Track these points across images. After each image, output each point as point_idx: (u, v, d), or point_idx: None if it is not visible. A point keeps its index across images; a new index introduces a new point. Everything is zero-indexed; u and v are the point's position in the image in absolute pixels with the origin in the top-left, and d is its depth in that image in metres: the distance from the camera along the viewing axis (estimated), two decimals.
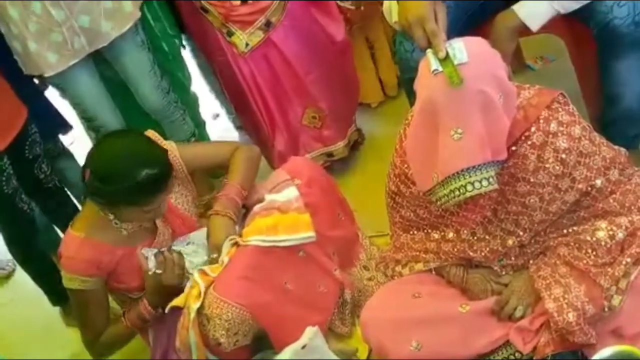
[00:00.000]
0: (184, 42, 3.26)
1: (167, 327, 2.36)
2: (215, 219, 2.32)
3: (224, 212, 2.31)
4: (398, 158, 2.14)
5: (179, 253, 2.27)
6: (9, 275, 3.52)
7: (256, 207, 2.38)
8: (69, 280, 2.25)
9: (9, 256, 3.31)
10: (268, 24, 2.90)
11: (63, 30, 2.61)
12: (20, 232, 2.75)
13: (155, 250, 2.27)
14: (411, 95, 2.10)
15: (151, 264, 2.24)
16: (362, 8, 3.09)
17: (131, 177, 2.06)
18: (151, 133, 2.34)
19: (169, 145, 2.36)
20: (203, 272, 2.22)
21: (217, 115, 3.89)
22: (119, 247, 2.28)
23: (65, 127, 3.20)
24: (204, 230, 2.35)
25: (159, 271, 2.22)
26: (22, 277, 3.26)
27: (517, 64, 3.17)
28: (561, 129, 1.94)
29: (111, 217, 2.21)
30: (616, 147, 2.05)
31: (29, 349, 3.05)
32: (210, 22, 2.93)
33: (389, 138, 2.29)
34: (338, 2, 3.11)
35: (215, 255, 2.28)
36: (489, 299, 2.10)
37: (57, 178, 2.93)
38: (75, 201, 3.06)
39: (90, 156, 2.16)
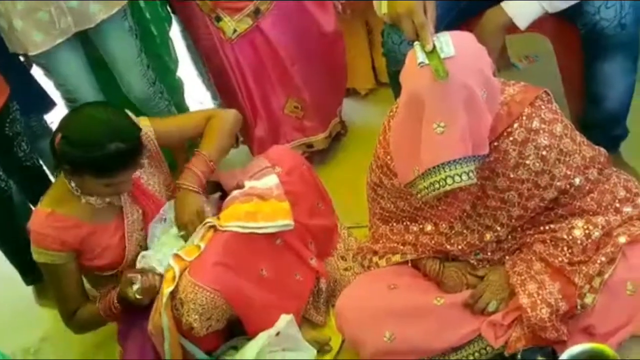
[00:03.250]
0: (174, 22, 3.24)
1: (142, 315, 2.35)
2: (180, 195, 2.34)
3: (189, 186, 2.32)
4: (381, 149, 2.15)
5: (161, 275, 2.24)
6: None
7: (235, 192, 2.37)
8: (37, 254, 2.26)
9: None
10: (257, 12, 2.89)
11: (50, 10, 2.59)
12: None
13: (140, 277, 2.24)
14: (397, 88, 2.10)
15: (135, 287, 2.22)
16: None
17: (101, 147, 2.06)
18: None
19: (142, 120, 2.35)
20: (178, 257, 2.22)
21: (201, 103, 3.87)
22: (85, 223, 2.27)
23: (50, 105, 3.17)
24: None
25: (139, 296, 2.21)
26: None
27: (503, 62, 3.17)
28: (543, 126, 1.95)
29: (73, 185, 2.20)
30: (596, 147, 2.07)
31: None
32: (198, 7, 2.91)
33: (372, 130, 2.29)
34: None
35: (182, 233, 2.30)
36: (464, 293, 2.12)
37: (37, 157, 2.90)
38: (53, 181, 3.04)
39: (65, 121, 2.17)
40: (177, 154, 2.73)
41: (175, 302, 2.18)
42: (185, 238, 2.30)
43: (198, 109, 3.13)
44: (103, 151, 2.06)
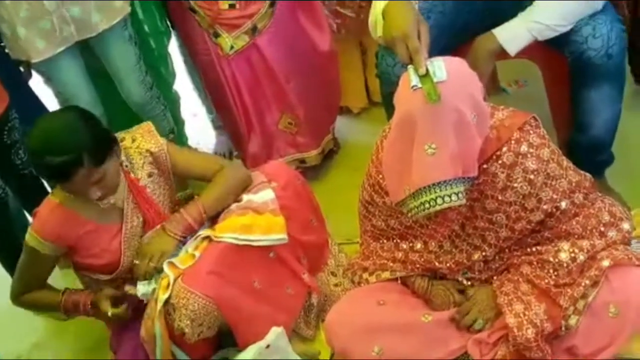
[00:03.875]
0: (173, 36, 3.30)
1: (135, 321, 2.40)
2: (158, 232, 2.35)
3: (170, 231, 2.33)
4: (373, 168, 2.20)
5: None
6: None
7: (232, 205, 2.41)
8: (30, 237, 2.32)
9: None
10: (254, 29, 2.95)
11: (53, 19, 2.66)
12: None
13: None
14: (390, 109, 2.16)
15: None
16: (362, 16, 3.13)
17: (37, 158, 2.13)
18: (148, 125, 2.44)
19: (160, 139, 2.41)
20: (172, 265, 2.26)
21: (195, 115, 3.92)
22: (88, 221, 2.32)
23: None
24: None
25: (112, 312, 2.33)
26: None
27: (492, 87, 3.24)
28: (531, 150, 2.01)
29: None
30: (582, 172, 2.13)
31: None
32: (197, 22, 2.97)
33: (364, 148, 2.34)
34: (338, 8, 3.17)
35: (137, 262, 2.32)
36: (452, 311, 2.18)
37: None
38: (49, 189, 3.07)
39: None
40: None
41: (167, 307, 2.22)
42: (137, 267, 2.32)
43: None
44: (39, 162, 2.13)
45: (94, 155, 2.14)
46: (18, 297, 2.45)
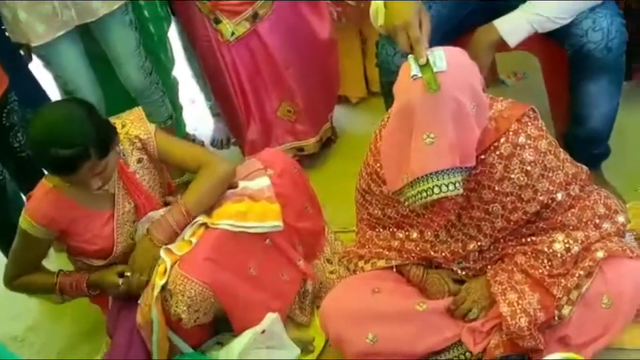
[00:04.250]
0: (173, 23, 3.30)
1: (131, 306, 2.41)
2: (143, 241, 2.34)
3: (154, 237, 2.32)
4: (371, 157, 2.21)
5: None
6: None
7: (228, 192, 2.41)
8: (24, 220, 2.33)
9: None
10: (255, 16, 2.96)
11: (54, 3, 2.67)
12: None
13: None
14: (389, 98, 2.17)
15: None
16: (362, 5, 3.14)
17: (42, 151, 2.12)
18: (138, 111, 2.42)
19: (150, 126, 2.41)
20: (169, 251, 2.27)
21: (193, 102, 3.93)
22: (80, 206, 2.32)
23: (45, 99, 3.21)
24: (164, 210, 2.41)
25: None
26: None
27: (491, 78, 3.26)
28: (529, 142, 2.02)
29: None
30: (579, 165, 2.14)
31: None
32: (198, 8, 2.97)
33: (362, 137, 2.35)
34: None
35: (128, 274, 2.33)
36: (446, 299, 2.18)
37: None
38: (46, 173, 3.08)
39: (30, 119, 2.22)
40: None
41: (164, 293, 2.23)
42: (127, 281, 2.33)
43: (201, 148, 3.08)
44: (44, 156, 2.12)
45: (99, 148, 2.15)
46: (11, 281, 2.46)
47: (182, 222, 2.34)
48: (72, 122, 2.13)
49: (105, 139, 2.18)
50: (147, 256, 2.31)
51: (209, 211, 2.38)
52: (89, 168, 2.15)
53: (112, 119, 2.38)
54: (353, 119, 3.56)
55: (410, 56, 1.91)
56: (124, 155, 2.36)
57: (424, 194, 1.90)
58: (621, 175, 2.68)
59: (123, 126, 2.37)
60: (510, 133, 2.02)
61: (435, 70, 1.85)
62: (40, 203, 2.31)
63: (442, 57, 1.87)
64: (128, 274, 2.34)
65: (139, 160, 2.40)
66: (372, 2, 2.30)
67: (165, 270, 2.23)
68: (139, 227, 2.39)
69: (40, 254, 2.45)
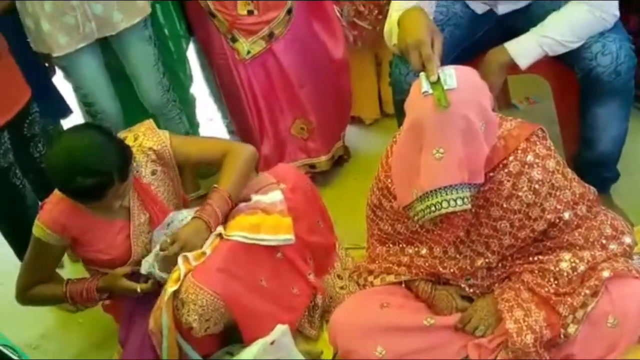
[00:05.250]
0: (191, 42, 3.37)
1: (141, 312, 2.45)
2: (196, 224, 2.36)
3: (208, 221, 2.36)
4: (383, 173, 2.25)
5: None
6: None
7: (242, 205, 2.46)
8: (37, 227, 2.37)
9: None
10: (271, 35, 3.02)
11: (76, 15, 2.74)
12: (11, 206, 2.82)
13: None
14: (401, 116, 2.21)
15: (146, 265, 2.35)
16: (378, 29, 3.19)
17: (66, 181, 2.17)
18: (149, 122, 2.46)
19: (163, 134, 2.45)
20: (186, 259, 2.30)
21: (211, 119, 3.99)
22: (92, 216, 2.36)
23: (67, 111, 3.30)
24: (184, 212, 2.46)
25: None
26: (1, 254, 3.31)
27: (504, 102, 3.30)
28: (537, 161, 2.05)
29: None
30: (586, 185, 2.17)
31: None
32: (216, 27, 3.05)
33: (375, 157, 2.39)
34: (356, 20, 3.24)
35: (168, 241, 2.32)
36: (454, 315, 2.21)
37: None
38: None
39: (49, 147, 2.31)
40: (186, 172, 2.82)
41: (176, 302, 2.26)
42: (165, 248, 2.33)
43: (217, 138, 3.16)
44: (69, 185, 2.17)
45: (121, 172, 2.21)
46: (23, 292, 2.48)
47: (225, 207, 2.40)
48: (95, 150, 2.17)
49: (126, 162, 2.24)
50: (201, 236, 2.33)
51: (224, 222, 2.42)
52: (112, 193, 2.21)
53: (124, 133, 2.43)
54: (366, 139, 3.61)
55: (421, 73, 1.96)
56: (138, 168, 2.40)
57: (433, 208, 1.93)
58: (629, 199, 2.70)
59: (136, 139, 2.41)
60: (519, 151, 2.06)
61: (445, 87, 1.89)
62: (53, 210, 2.35)
63: (452, 75, 1.92)
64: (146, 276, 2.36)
65: (153, 172, 2.44)
66: (387, 22, 2.35)
67: (179, 278, 2.26)
68: (155, 235, 2.43)
69: (53, 262, 2.49)
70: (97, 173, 2.15)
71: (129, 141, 2.38)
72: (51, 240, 2.37)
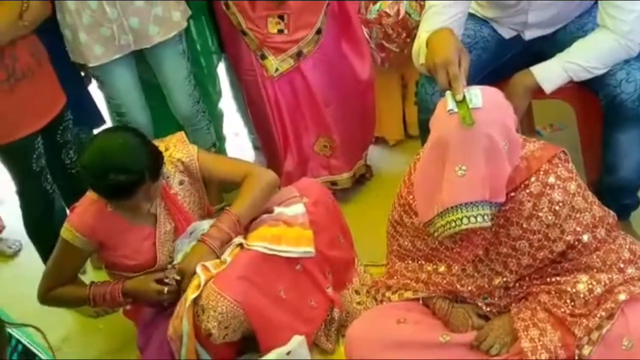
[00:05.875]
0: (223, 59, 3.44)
1: (161, 319, 2.50)
2: (198, 247, 2.42)
3: (210, 244, 2.40)
4: (405, 189, 2.28)
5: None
6: (14, 255, 3.60)
7: (264, 216, 2.51)
8: (65, 229, 2.42)
9: (16, 236, 3.46)
10: (300, 54, 3.09)
11: (113, 27, 2.82)
12: (40, 209, 2.90)
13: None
14: (425, 136, 2.24)
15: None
16: (406, 52, 3.25)
17: (100, 177, 2.23)
18: (180, 135, 2.54)
19: (192, 148, 2.52)
20: (205, 267, 2.35)
21: (237, 134, 4.05)
22: (122, 220, 2.42)
23: (100, 121, 3.38)
24: (204, 222, 2.51)
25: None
26: (27, 257, 3.39)
27: (528, 128, 3.31)
28: (558, 182, 2.08)
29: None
30: (606, 209, 2.18)
31: None
32: (246, 44, 3.11)
33: (397, 177, 2.42)
34: (384, 42, 3.30)
35: (174, 276, 2.39)
36: (470, 334, 2.22)
37: None
38: None
39: (83, 147, 2.35)
40: (211, 186, 2.88)
41: (197, 308, 2.31)
42: (173, 282, 2.40)
43: (241, 160, 3.18)
44: (102, 182, 2.23)
45: (152, 172, 2.28)
46: (46, 293, 2.53)
47: (233, 230, 2.44)
48: (128, 148, 2.25)
49: (157, 163, 2.31)
50: (195, 260, 2.37)
51: (245, 232, 2.46)
52: (143, 192, 2.27)
53: (156, 142, 2.48)
54: (389, 159, 3.65)
55: (447, 92, 2.01)
56: (167, 177, 2.46)
57: (453, 224, 1.97)
58: None
59: (166, 149, 2.48)
60: (541, 173, 2.08)
61: (470, 106, 1.94)
62: (84, 214, 2.41)
63: (478, 95, 1.96)
64: (170, 278, 2.41)
65: (181, 182, 2.50)
66: (415, 42, 2.40)
67: (199, 285, 2.31)
68: (177, 243, 2.48)
69: (77, 265, 2.54)
70: (130, 170, 2.21)
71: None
72: (78, 244, 2.42)
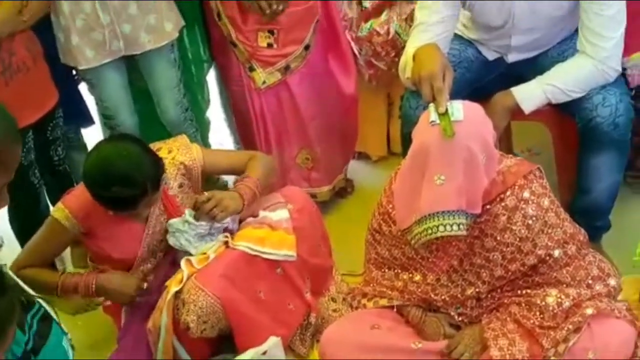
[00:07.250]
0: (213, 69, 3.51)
1: (141, 313, 2.54)
2: (234, 194, 2.50)
3: (245, 198, 2.49)
4: (385, 198, 2.35)
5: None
6: None
7: (250, 219, 2.58)
8: (58, 209, 2.45)
9: None
10: (287, 68, 3.15)
11: (105, 32, 2.86)
12: (25, 203, 2.91)
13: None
14: (407, 148, 2.30)
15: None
16: (393, 70, 3.30)
17: (103, 189, 2.27)
18: (183, 138, 2.61)
19: (195, 149, 2.58)
20: (189, 262, 2.41)
21: (222, 144, 4.09)
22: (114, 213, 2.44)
23: (89, 121, 3.43)
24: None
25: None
26: (9, 252, 3.40)
27: (506, 151, 3.36)
28: (532, 197, 2.16)
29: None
30: (577, 226, 2.27)
31: None
32: (236, 55, 3.17)
33: (377, 192, 2.48)
34: (372, 60, 3.39)
35: (204, 198, 2.45)
36: (441, 342, 2.29)
37: (69, 165, 3.13)
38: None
39: (87, 156, 2.37)
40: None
41: (177, 302, 2.36)
42: (192, 216, 2.46)
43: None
44: (105, 194, 2.27)
45: (154, 183, 2.33)
46: (20, 268, 2.49)
47: (256, 192, 2.54)
48: (132, 162, 2.27)
49: (159, 173, 2.35)
50: (234, 202, 2.46)
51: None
52: (144, 202, 2.33)
53: (159, 144, 2.55)
54: (371, 174, 3.71)
55: (431, 104, 2.09)
56: (166, 183, 2.48)
57: (430, 231, 2.04)
58: (619, 250, 2.77)
59: (170, 152, 2.53)
60: (516, 187, 2.16)
61: (452, 119, 2.02)
62: (80, 197, 2.42)
63: (460, 108, 2.05)
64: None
65: (180, 185, 2.54)
66: (402, 56, 2.49)
67: (182, 279, 2.36)
68: (170, 224, 2.49)
69: (59, 248, 2.57)
70: (134, 184, 2.25)
71: (163, 153, 2.50)
72: (68, 225, 2.43)
